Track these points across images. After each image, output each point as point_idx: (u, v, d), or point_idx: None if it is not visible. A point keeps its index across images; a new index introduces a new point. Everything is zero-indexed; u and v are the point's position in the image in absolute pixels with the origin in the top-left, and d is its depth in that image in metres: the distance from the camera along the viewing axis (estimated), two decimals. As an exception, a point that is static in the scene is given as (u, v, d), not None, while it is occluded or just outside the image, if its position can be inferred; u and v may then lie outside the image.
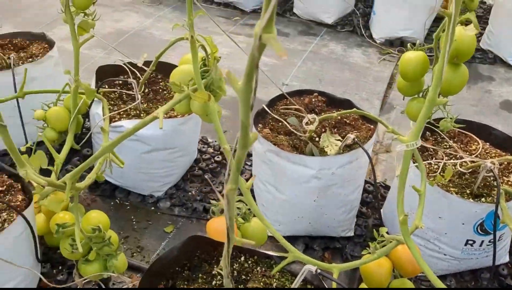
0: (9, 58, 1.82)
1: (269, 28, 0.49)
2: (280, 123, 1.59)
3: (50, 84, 1.83)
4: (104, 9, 3.21)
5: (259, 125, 1.57)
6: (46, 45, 1.96)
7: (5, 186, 1.28)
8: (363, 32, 3.00)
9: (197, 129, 1.77)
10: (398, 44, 2.90)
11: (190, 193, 1.75)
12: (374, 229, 1.19)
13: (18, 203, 1.24)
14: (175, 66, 1.84)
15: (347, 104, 1.64)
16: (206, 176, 1.82)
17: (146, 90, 1.78)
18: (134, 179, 1.69)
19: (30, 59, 1.88)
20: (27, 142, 1.77)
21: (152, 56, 2.69)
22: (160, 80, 1.83)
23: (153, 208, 1.71)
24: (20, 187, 1.30)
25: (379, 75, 2.63)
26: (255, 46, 0.50)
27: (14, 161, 1.02)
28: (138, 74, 1.72)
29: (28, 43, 1.98)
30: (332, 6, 3.04)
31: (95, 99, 1.65)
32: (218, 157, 1.91)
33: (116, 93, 1.76)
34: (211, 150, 1.96)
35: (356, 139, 1.39)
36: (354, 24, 3.07)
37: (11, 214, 1.21)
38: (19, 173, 1.02)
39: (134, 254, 1.53)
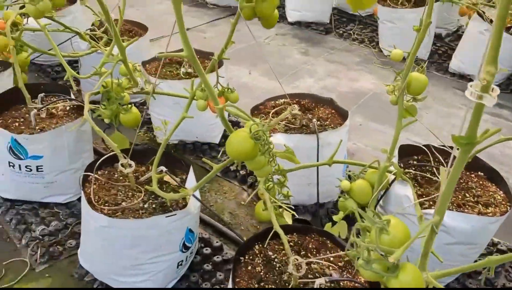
0: (308, 119, 1.95)
1: None
2: None
3: (339, 152, 1.90)
4: (337, 67, 3.33)
5: None
6: (333, 110, 2.06)
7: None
8: None
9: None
10: None
11: (472, 291, 1.67)
12: None
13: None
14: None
15: None
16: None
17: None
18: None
19: (318, 122, 1.98)
20: (318, 202, 1.86)
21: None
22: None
23: (435, 299, 1.65)
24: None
25: None
26: None
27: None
28: (440, 158, 1.71)
29: (314, 105, 2.10)
30: None
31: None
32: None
33: (410, 173, 1.75)
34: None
35: None
36: None
37: None
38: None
39: None
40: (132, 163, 1.54)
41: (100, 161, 1.54)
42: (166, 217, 1.43)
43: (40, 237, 1.74)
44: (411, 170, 1.76)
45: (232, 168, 2.21)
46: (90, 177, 1.57)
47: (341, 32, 3.86)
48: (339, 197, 1.70)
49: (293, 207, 1.79)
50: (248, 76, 3.12)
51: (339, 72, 3.25)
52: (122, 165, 1.52)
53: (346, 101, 2.86)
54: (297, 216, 1.47)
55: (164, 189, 1.61)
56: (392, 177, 1.65)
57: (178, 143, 2.36)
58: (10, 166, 1.77)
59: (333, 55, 3.50)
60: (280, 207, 1.53)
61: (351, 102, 2.87)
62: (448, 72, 3.31)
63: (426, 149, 1.75)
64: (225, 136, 2.42)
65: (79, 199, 1.92)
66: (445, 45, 3.67)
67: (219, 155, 2.31)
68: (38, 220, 1.80)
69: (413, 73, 1.57)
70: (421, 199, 1.59)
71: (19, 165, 1.76)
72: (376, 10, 3.61)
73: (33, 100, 1.93)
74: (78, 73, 2.67)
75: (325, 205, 1.94)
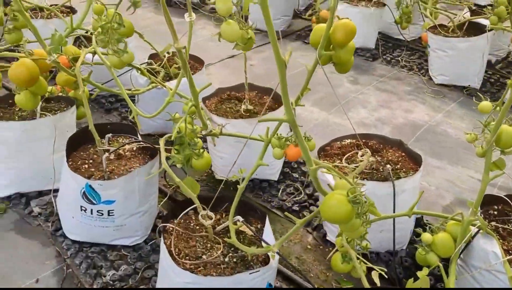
0: (377, 162, 1.91)
1: None
2: None
3: (413, 198, 1.85)
4: (389, 96, 3.27)
5: None
6: (403, 153, 2.00)
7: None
8: None
9: None
10: None
11: None
12: None
13: None
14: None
15: None
16: None
17: (526, 228, 1.68)
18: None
19: (388, 165, 1.93)
20: (394, 250, 1.80)
21: (455, 161, 2.61)
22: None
23: None
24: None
25: None
26: None
27: None
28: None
29: (382, 147, 2.05)
30: None
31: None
32: None
33: (491, 225, 1.69)
34: None
35: None
36: None
37: None
38: None
39: None
40: (212, 214, 1.51)
41: (183, 214, 1.52)
42: (250, 273, 1.40)
43: (111, 282, 1.73)
44: (493, 223, 1.70)
45: (294, 207, 2.17)
46: (168, 227, 1.56)
47: (388, 58, 3.80)
48: (416, 247, 1.65)
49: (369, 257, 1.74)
50: (298, 107, 3.08)
51: (392, 102, 3.19)
52: (201, 216, 1.50)
53: (402, 135, 2.80)
54: (385, 276, 1.41)
55: (241, 239, 1.58)
56: (475, 230, 1.59)
57: (238, 180, 2.33)
58: (81, 210, 1.77)
59: (383, 84, 3.44)
60: (361, 260, 1.48)
61: (407, 135, 2.81)
62: (503, 103, 3.22)
63: (508, 200, 1.68)
64: (283, 173, 2.39)
65: (145, 242, 1.91)
66: (496, 73, 3.58)
67: (280, 193, 2.27)
68: (108, 264, 1.79)
69: (503, 126, 1.52)
70: (510, 257, 1.52)
71: (91, 210, 1.75)
72: (426, 37, 3.55)
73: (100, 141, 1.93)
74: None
75: (398, 253, 1.88)
